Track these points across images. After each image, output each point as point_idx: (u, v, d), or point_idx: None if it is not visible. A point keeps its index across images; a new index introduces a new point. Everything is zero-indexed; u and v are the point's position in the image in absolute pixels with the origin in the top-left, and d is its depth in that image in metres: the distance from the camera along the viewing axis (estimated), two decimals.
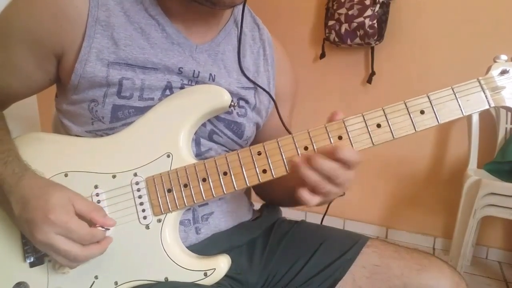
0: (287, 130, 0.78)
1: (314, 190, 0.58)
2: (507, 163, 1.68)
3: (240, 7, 0.76)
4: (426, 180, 2.08)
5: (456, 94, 0.60)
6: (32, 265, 0.63)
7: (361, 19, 1.90)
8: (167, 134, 0.65)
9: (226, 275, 0.65)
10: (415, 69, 2.01)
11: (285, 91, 0.83)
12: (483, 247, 2.03)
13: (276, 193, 0.81)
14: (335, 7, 1.98)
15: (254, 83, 0.76)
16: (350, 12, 1.93)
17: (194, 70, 0.69)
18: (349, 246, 0.74)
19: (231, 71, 0.74)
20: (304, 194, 0.58)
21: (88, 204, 0.60)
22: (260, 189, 0.87)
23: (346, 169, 0.57)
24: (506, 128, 1.80)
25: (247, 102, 0.75)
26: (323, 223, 0.85)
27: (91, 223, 0.58)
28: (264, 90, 0.77)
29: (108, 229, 0.61)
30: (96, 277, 0.62)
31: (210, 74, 0.70)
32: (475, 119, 1.79)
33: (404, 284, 0.68)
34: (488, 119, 1.85)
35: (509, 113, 1.80)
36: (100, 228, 0.59)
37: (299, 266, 0.74)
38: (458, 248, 1.72)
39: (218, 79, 0.71)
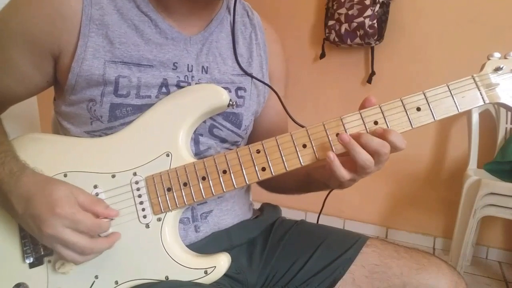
0: (290, 117, 0.79)
1: (358, 167, 0.60)
2: (507, 163, 1.68)
3: None
4: (426, 180, 2.08)
5: (452, 91, 0.61)
6: (31, 265, 0.63)
7: (361, 19, 1.90)
8: (166, 133, 0.65)
9: (225, 275, 0.66)
10: (415, 69, 2.01)
11: (277, 73, 0.84)
12: (483, 247, 2.03)
13: (290, 180, 0.81)
14: (335, 7, 1.98)
15: (248, 74, 0.76)
16: (350, 12, 1.93)
17: (188, 64, 0.70)
18: (348, 245, 0.74)
19: (226, 59, 0.74)
20: (341, 170, 0.59)
21: (90, 197, 0.61)
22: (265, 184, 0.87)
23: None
24: (506, 128, 1.80)
25: (245, 90, 0.76)
26: (322, 222, 0.85)
27: (95, 216, 0.59)
28: (259, 80, 0.77)
29: (113, 219, 0.61)
30: (96, 277, 0.63)
31: (202, 67, 0.71)
32: (475, 119, 1.79)
33: (403, 284, 0.68)
34: (488, 119, 1.85)
35: (509, 113, 1.80)
36: (104, 219, 0.60)
37: (298, 266, 0.74)
38: (458, 248, 1.72)
39: (211, 71, 0.71)
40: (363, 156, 0.58)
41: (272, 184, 0.86)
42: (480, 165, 1.80)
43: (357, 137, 0.59)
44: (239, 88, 0.75)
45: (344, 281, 0.71)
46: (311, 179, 0.73)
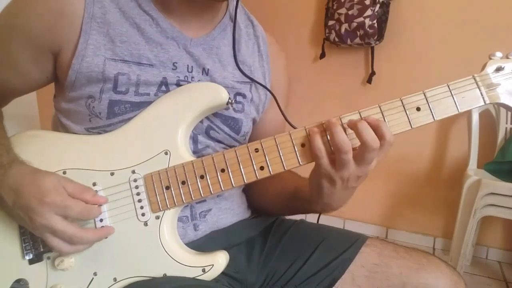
0: (288, 122, 0.79)
1: (335, 158, 0.58)
2: (507, 163, 1.68)
3: (234, 2, 0.76)
4: (426, 180, 2.08)
5: (452, 91, 0.60)
6: (31, 262, 0.64)
7: (361, 19, 1.90)
8: (164, 131, 0.65)
9: (224, 274, 0.66)
10: (415, 69, 2.01)
11: (280, 86, 0.83)
12: (483, 247, 2.03)
13: (274, 202, 0.81)
14: (335, 7, 1.98)
15: (250, 78, 0.76)
16: (350, 12, 1.93)
17: (188, 65, 0.70)
18: (348, 245, 0.74)
19: (226, 65, 0.74)
20: (324, 161, 0.58)
21: (78, 185, 0.61)
22: (257, 203, 0.86)
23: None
24: (506, 128, 1.80)
25: (244, 96, 0.75)
26: (323, 223, 0.85)
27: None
28: (260, 84, 0.77)
29: (101, 206, 0.62)
30: (95, 274, 0.63)
31: (203, 69, 0.71)
32: (475, 119, 1.79)
33: (403, 283, 0.68)
34: (488, 119, 1.85)
35: (509, 113, 1.79)
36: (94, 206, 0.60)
37: (298, 265, 0.74)
38: (458, 248, 1.72)
39: (211, 73, 0.71)
40: (341, 137, 0.57)
41: (258, 201, 0.85)
42: (480, 165, 1.80)
43: (354, 123, 0.58)
44: (238, 94, 0.75)
45: (343, 281, 0.71)
46: (298, 196, 0.72)
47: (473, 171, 1.76)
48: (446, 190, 2.04)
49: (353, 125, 0.58)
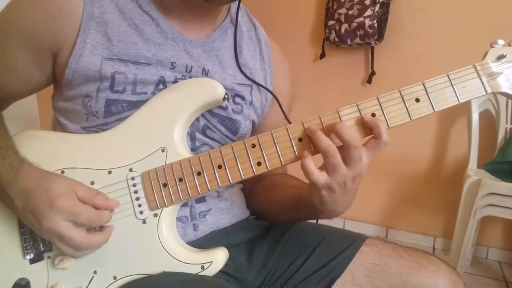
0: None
1: (324, 164, 0.58)
2: (507, 163, 1.68)
3: (236, 5, 0.76)
4: (426, 180, 2.08)
5: (452, 81, 0.59)
6: (32, 261, 0.64)
7: (361, 19, 1.90)
8: (161, 128, 0.65)
9: (224, 272, 0.66)
10: (415, 69, 2.00)
11: (283, 91, 0.83)
12: (483, 247, 2.02)
13: (276, 209, 0.80)
14: (335, 7, 1.98)
15: (251, 80, 0.75)
16: (350, 12, 1.93)
17: (187, 65, 0.69)
18: (347, 244, 0.73)
19: (226, 67, 0.74)
20: (310, 165, 0.57)
21: (89, 190, 0.60)
22: (259, 211, 0.85)
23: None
24: (506, 128, 1.80)
25: (243, 98, 0.75)
26: (322, 222, 0.85)
27: (95, 208, 0.59)
28: (262, 86, 0.77)
29: (113, 210, 0.62)
30: (95, 272, 0.63)
31: (203, 69, 0.71)
32: (475, 119, 1.79)
33: (403, 283, 0.68)
34: (488, 119, 1.85)
35: (509, 113, 1.79)
36: (105, 211, 0.60)
37: (297, 264, 0.73)
38: (458, 248, 1.71)
39: (211, 74, 0.71)
40: (325, 142, 0.56)
41: (261, 209, 0.84)
42: (480, 165, 1.79)
43: (331, 126, 0.58)
44: (237, 95, 0.74)
45: (343, 280, 0.70)
46: (301, 205, 0.71)
47: (473, 171, 1.76)
48: (446, 190, 2.03)
49: (332, 128, 0.58)
